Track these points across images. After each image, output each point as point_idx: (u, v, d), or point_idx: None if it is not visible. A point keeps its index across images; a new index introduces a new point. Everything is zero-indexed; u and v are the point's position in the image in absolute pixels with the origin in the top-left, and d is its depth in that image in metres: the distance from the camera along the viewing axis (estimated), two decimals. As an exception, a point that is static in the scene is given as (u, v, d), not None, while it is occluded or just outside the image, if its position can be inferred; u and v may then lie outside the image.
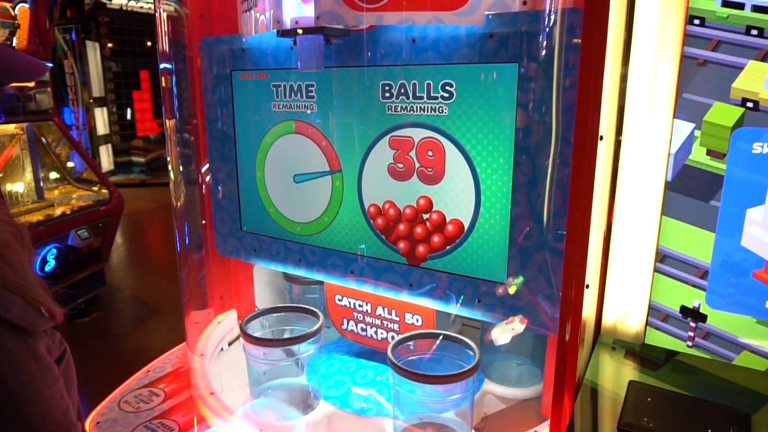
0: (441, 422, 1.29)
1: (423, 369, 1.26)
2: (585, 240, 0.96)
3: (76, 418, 0.64)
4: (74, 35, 8.41)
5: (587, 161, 0.92)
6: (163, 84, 1.54)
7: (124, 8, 9.06)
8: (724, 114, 0.96)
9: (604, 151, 0.98)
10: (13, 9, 3.59)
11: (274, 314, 1.53)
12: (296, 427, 1.36)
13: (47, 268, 3.47)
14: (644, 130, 1.03)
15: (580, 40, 0.89)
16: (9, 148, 3.90)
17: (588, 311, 1.07)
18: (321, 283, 1.73)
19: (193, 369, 1.52)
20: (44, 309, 0.63)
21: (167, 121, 1.58)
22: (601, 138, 0.94)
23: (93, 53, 8.76)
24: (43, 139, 4.13)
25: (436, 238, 1.27)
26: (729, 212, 1.00)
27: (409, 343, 1.34)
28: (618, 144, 1.05)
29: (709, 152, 0.98)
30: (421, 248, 1.29)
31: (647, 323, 1.12)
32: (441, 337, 1.33)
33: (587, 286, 1.01)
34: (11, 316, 0.58)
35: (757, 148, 0.96)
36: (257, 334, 1.43)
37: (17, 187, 3.97)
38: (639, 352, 1.12)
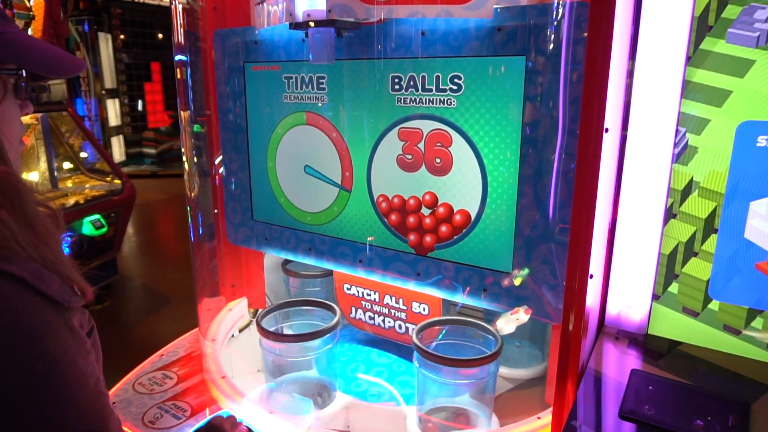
0: (462, 407, 1.32)
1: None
2: (589, 231, 0.98)
3: (105, 389, 0.69)
4: (87, 27, 8.48)
5: (592, 153, 0.94)
6: (178, 76, 1.57)
7: (136, 0, 9.12)
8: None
9: (609, 144, 0.99)
10: (29, 1, 3.64)
11: (289, 308, 1.55)
12: (318, 420, 1.38)
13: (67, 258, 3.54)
14: (650, 122, 1.04)
15: (586, 34, 0.91)
16: (25, 138, 3.96)
17: (592, 301, 1.09)
18: (322, 276, 1.77)
19: (205, 354, 1.56)
20: (77, 287, 0.67)
21: (182, 113, 1.61)
22: (607, 130, 0.95)
23: (105, 45, 8.83)
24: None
25: (443, 229, 1.29)
26: (733, 204, 1.01)
27: (435, 327, 1.36)
28: (624, 137, 1.07)
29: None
30: (428, 238, 1.32)
31: (650, 314, 1.14)
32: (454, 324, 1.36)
33: (591, 276, 1.03)
34: (51, 292, 0.61)
35: (761, 141, 0.97)
36: (273, 329, 1.44)
37: (32, 176, 4.04)
38: (642, 342, 1.14)
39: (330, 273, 1.69)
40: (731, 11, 0.96)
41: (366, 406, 1.42)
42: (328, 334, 1.39)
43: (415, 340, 1.28)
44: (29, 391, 0.57)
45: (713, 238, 1.04)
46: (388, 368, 1.63)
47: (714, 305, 1.06)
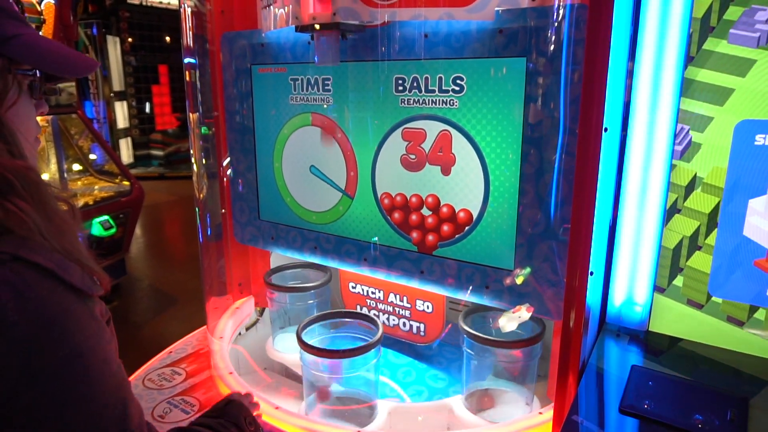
0: (506, 389, 1.36)
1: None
2: (589, 228, 0.99)
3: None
4: (95, 30, 8.56)
5: (591, 152, 0.96)
6: (187, 78, 1.60)
7: (144, 3, 9.19)
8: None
9: (609, 143, 1.01)
10: (39, 5, 3.69)
11: (329, 320, 1.50)
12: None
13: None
14: (649, 122, 1.06)
15: (585, 35, 0.93)
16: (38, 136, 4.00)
17: (593, 298, 1.11)
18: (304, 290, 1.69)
19: (213, 350, 1.59)
20: (96, 277, 0.69)
21: (190, 114, 1.64)
22: (606, 129, 0.97)
23: (113, 48, 8.91)
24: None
25: (446, 227, 1.31)
26: (732, 202, 1.03)
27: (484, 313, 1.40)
28: (624, 136, 1.08)
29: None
30: (431, 237, 1.34)
31: (651, 311, 1.15)
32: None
33: (591, 274, 1.05)
34: (74, 281, 0.64)
35: (759, 140, 0.99)
36: (314, 341, 1.40)
37: (43, 177, 4.08)
38: (643, 338, 1.15)
39: (318, 285, 1.66)
40: (733, 12, 0.97)
41: (408, 407, 1.42)
42: (371, 350, 1.34)
43: (462, 325, 1.32)
44: (54, 374, 0.60)
45: (716, 232, 1.05)
46: (392, 366, 1.65)
47: (717, 297, 1.08)
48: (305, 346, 1.33)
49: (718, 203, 1.04)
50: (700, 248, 1.07)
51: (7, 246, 0.61)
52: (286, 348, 1.67)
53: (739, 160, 1.00)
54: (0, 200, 0.62)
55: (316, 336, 1.45)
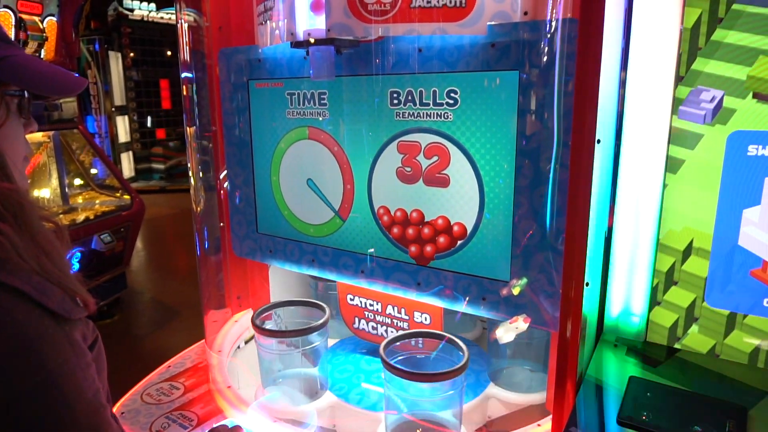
0: (432, 419, 1.31)
1: (416, 367, 1.30)
2: (584, 239, 1.00)
3: (105, 400, 0.70)
4: (97, 46, 8.66)
5: (584, 163, 0.96)
6: (184, 92, 1.62)
7: (146, 19, 9.30)
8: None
9: (602, 154, 1.02)
10: (42, 22, 3.74)
11: (285, 308, 1.60)
12: (306, 415, 1.41)
13: (72, 271, 3.59)
14: (643, 132, 1.07)
15: (576, 49, 0.94)
16: (36, 156, 4.05)
17: (589, 309, 1.11)
18: None
19: (212, 364, 1.59)
20: (79, 299, 0.69)
21: (188, 129, 1.65)
22: (599, 141, 0.98)
23: (115, 63, 8.99)
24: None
25: (442, 239, 1.32)
26: (726, 212, 1.03)
27: (408, 341, 1.39)
28: (618, 147, 1.09)
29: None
30: (428, 248, 1.34)
31: (648, 321, 1.15)
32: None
33: (587, 284, 1.05)
34: (52, 304, 0.63)
35: (752, 150, 0.99)
36: (269, 326, 1.50)
37: (44, 192, 4.11)
38: (640, 349, 1.15)
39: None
40: (681, 91, 1.02)
41: (348, 408, 1.45)
42: (318, 331, 1.45)
43: (382, 354, 1.28)
44: (27, 400, 0.59)
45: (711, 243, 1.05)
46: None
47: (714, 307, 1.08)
48: (258, 329, 1.42)
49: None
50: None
51: None
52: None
53: (732, 170, 1.01)
54: None
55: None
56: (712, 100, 1.00)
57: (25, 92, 0.75)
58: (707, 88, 1.00)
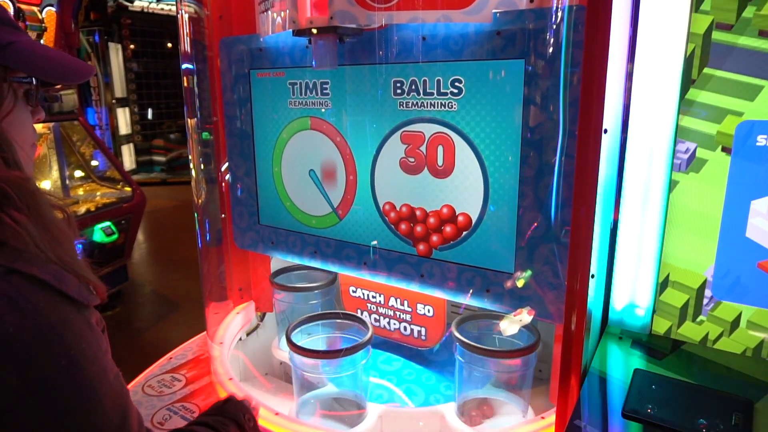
0: (501, 398, 1.36)
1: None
2: (589, 231, 0.99)
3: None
4: (97, 37, 8.61)
5: (591, 154, 0.95)
6: (185, 84, 1.60)
7: (146, 10, 9.24)
8: None
9: (608, 144, 1.00)
10: (41, 12, 3.71)
11: (319, 321, 1.53)
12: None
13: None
14: (649, 123, 1.05)
15: (584, 37, 0.92)
16: (37, 147, 4.03)
17: (594, 301, 1.10)
18: (311, 289, 1.73)
19: (213, 356, 1.58)
20: (92, 286, 0.69)
21: (189, 120, 1.64)
22: (605, 131, 0.96)
23: (115, 55, 8.96)
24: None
25: (446, 230, 1.30)
26: (734, 204, 1.02)
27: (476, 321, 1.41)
28: (624, 138, 1.07)
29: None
30: (431, 240, 1.33)
31: (653, 314, 1.14)
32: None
33: (593, 276, 1.04)
34: (70, 291, 0.64)
35: (761, 140, 0.98)
36: (304, 342, 1.44)
37: (45, 184, 4.10)
38: (645, 341, 1.14)
39: (324, 285, 1.69)
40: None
41: (400, 412, 1.42)
42: (361, 350, 1.37)
43: (455, 332, 1.30)
44: (54, 385, 0.60)
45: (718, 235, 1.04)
46: (392, 369, 1.64)
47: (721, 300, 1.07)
48: (294, 346, 1.35)
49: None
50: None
51: (2, 259, 0.61)
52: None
53: (740, 161, 0.99)
54: None
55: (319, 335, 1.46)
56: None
57: (33, 79, 0.75)
58: (683, 140, 1.01)
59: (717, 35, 0.98)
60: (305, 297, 1.70)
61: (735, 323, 1.06)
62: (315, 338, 1.52)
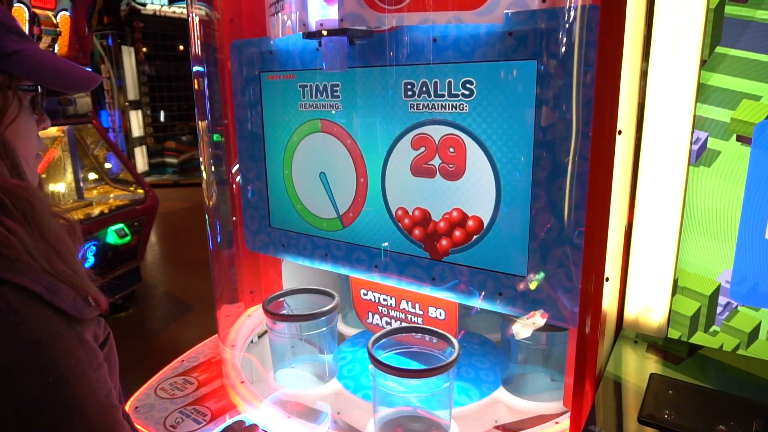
0: (422, 415, 1.30)
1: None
2: (604, 233, 0.97)
3: (117, 401, 0.69)
4: (111, 41, 8.71)
5: (605, 155, 0.94)
6: (196, 86, 1.61)
7: (158, 13, 9.34)
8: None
9: (623, 146, 0.99)
10: (55, 17, 3.76)
11: (297, 295, 1.64)
12: (319, 407, 1.42)
13: (86, 265, 3.64)
14: (665, 124, 1.03)
15: (597, 37, 0.91)
16: (51, 150, 4.09)
17: (609, 305, 1.08)
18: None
19: (225, 359, 1.58)
20: (91, 298, 0.68)
21: (200, 123, 1.64)
22: (620, 132, 0.95)
23: (128, 58, 9.05)
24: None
25: (457, 233, 1.29)
26: (753, 205, 1.00)
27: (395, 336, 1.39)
28: (639, 139, 1.06)
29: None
30: (443, 242, 1.32)
31: (669, 317, 1.12)
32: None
33: (607, 279, 1.02)
34: (63, 305, 0.63)
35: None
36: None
37: (59, 187, 4.15)
38: (661, 345, 1.12)
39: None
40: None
41: (352, 398, 1.45)
42: (325, 317, 1.48)
43: (370, 349, 1.26)
44: (39, 402, 0.58)
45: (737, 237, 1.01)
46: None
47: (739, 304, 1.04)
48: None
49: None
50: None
51: None
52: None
53: (759, 161, 0.97)
54: None
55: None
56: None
57: (39, 87, 0.74)
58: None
59: (730, 9, 0.91)
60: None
61: (754, 334, 1.04)
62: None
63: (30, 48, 0.72)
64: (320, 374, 1.54)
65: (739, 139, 0.97)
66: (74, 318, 0.64)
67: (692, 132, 1.01)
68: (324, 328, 1.51)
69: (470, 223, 1.27)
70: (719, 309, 1.06)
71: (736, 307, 1.04)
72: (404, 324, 1.55)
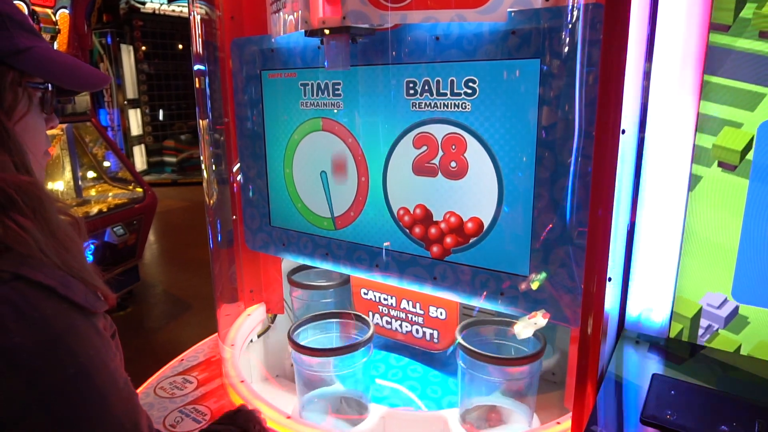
0: (505, 406, 1.34)
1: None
2: (606, 233, 0.97)
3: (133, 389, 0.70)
4: (110, 39, 8.70)
5: (609, 155, 0.93)
6: (197, 85, 1.60)
7: (157, 12, 9.32)
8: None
9: (626, 146, 0.98)
10: (54, 15, 3.75)
11: (322, 321, 1.55)
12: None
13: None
14: (668, 124, 1.03)
15: (601, 36, 0.90)
16: (50, 149, 4.07)
17: (611, 305, 1.08)
18: (328, 287, 1.77)
19: (225, 358, 1.58)
20: (99, 293, 0.68)
21: (200, 121, 1.64)
22: (623, 132, 0.94)
23: (127, 56, 9.04)
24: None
25: (459, 233, 1.29)
26: (756, 203, 0.99)
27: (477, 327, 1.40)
28: (642, 139, 1.05)
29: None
30: (444, 242, 1.32)
31: (672, 317, 1.12)
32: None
33: (609, 280, 1.02)
34: (77, 298, 0.63)
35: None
36: (307, 341, 1.46)
37: (58, 185, 4.14)
38: (663, 346, 1.12)
39: (339, 284, 1.73)
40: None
41: (403, 414, 1.41)
42: (364, 347, 1.38)
43: (459, 339, 1.29)
44: (63, 395, 0.59)
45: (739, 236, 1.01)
46: (404, 372, 1.62)
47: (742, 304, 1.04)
48: (296, 345, 1.36)
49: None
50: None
51: (7, 264, 0.60)
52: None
53: (763, 160, 0.97)
54: (0, 216, 0.61)
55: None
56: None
57: (49, 85, 0.74)
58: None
59: (713, 37, 0.93)
60: (322, 295, 1.76)
61: (756, 328, 1.04)
62: (320, 337, 1.54)
63: (42, 45, 0.72)
64: (352, 412, 1.47)
65: (720, 165, 0.97)
66: (88, 310, 0.64)
67: (695, 133, 1.01)
68: (360, 362, 1.40)
69: (472, 222, 1.27)
70: (701, 331, 1.07)
71: (737, 307, 1.04)
72: (395, 322, 1.55)
